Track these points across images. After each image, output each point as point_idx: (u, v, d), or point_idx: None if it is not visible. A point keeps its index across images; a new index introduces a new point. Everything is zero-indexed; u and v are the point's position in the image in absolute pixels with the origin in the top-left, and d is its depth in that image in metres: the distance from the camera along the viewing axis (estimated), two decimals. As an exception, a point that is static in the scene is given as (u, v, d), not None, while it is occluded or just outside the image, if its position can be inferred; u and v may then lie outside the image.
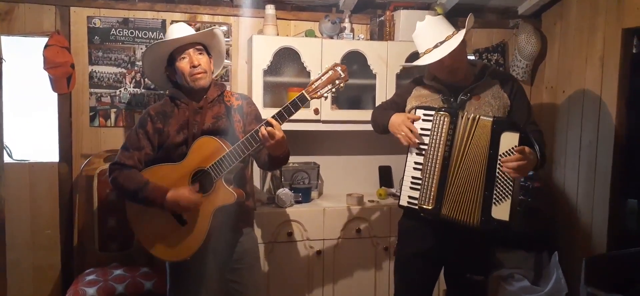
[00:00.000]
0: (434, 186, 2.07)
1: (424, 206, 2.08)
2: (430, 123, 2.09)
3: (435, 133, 2.08)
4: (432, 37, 2.09)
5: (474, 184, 2.03)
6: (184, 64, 2.15)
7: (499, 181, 2.00)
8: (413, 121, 2.13)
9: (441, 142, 2.06)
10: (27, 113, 3.08)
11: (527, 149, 1.95)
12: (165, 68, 2.24)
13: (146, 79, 3.07)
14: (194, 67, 2.13)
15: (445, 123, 2.06)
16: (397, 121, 2.17)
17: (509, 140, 1.99)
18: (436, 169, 2.07)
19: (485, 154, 2.01)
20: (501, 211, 2.00)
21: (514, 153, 1.95)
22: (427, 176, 2.09)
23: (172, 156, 2.16)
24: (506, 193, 1.99)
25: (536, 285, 3.13)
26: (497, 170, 2.00)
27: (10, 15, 2.86)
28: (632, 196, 3.19)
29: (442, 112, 2.07)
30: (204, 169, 2.10)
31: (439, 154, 2.07)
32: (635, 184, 3.11)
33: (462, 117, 2.05)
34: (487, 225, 2.00)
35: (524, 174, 1.99)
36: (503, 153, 1.99)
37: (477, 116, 2.04)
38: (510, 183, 1.98)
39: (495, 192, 2.00)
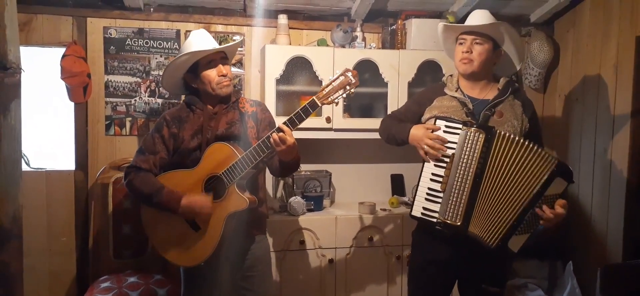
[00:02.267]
0: (463, 203, 2.01)
1: (449, 222, 2.02)
2: (457, 136, 2.03)
3: (467, 149, 2.01)
4: (477, 21, 2.14)
5: (508, 209, 1.99)
6: (212, 73, 2.19)
7: (530, 217, 1.98)
8: (432, 130, 2.08)
9: (474, 160, 1.99)
10: (44, 122, 3.14)
11: (567, 206, 1.97)
12: (185, 74, 2.27)
13: (161, 88, 3.11)
14: (223, 76, 2.19)
15: (479, 140, 1.99)
16: (419, 133, 2.11)
17: (557, 185, 1.97)
18: (467, 187, 2.00)
19: (532, 189, 1.97)
20: (516, 242, 2.00)
21: (557, 205, 1.96)
22: (455, 192, 2.02)
23: (186, 161, 2.19)
24: (529, 229, 1.99)
25: (550, 295, 3.10)
26: (535, 208, 1.98)
27: (28, 26, 2.93)
28: (648, 205, 3.14)
29: (474, 128, 2.01)
30: (216, 175, 2.12)
31: (471, 171, 2.00)
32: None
33: (498, 137, 1.99)
34: (500, 251, 2.01)
35: (552, 225, 1.99)
36: (548, 195, 1.97)
37: (536, 147, 1.97)
38: (538, 222, 1.98)
39: (522, 224, 1.99)
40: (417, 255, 2.30)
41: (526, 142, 1.98)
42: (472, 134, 2.00)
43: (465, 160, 2.01)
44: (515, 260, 3.23)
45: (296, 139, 2.08)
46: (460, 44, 2.17)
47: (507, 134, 1.99)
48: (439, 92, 2.25)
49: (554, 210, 1.96)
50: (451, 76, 2.27)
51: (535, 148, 1.97)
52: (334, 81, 2.09)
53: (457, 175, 2.02)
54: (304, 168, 3.22)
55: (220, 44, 3.10)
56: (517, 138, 1.98)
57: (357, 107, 3.21)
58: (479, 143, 1.99)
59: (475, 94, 2.18)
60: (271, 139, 2.04)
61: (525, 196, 1.97)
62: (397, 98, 3.06)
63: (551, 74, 3.58)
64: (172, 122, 2.22)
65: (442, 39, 2.31)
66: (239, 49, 3.19)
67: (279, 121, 2.14)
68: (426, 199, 2.08)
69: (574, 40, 3.39)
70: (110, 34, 3.05)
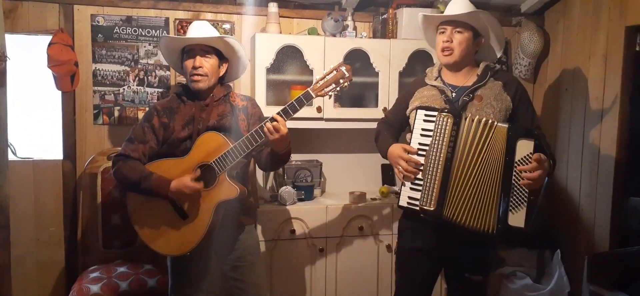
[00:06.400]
0: (436, 187, 2.03)
1: (425, 207, 2.05)
2: (433, 124, 2.06)
3: (437, 134, 2.04)
4: (457, 10, 2.14)
5: (488, 191, 2.00)
6: (188, 62, 2.21)
7: (515, 189, 1.98)
8: (408, 153, 2.10)
9: (444, 144, 2.03)
10: (31, 111, 3.10)
11: (542, 156, 1.95)
12: (180, 59, 2.31)
13: (149, 77, 3.09)
14: (195, 68, 2.17)
15: (447, 124, 2.03)
16: (393, 153, 2.16)
17: (524, 147, 1.97)
18: (438, 171, 2.03)
19: (500, 161, 1.99)
20: (517, 218, 1.98)
21: (531, 160, 1.94)
22: (428, 177, 2.05)
23: (176, 151, 2.18)
24: (522, 200, 1.98)
25: (538, 283, 3.13)
26: (513, 178, 1.98)
27: (14, 13, 2.88)
28: (635, 194, 3.18)
29: (444, 113, 2.04)
30: (207, 163, 2.11)
31: (442, 155, 2.03)
32: (638, 182, 3.11)
33: (466, 119, 2.02)
34: (504, 232, 2.00)
35: (541, 183, 1.97)
36: (518, 161, 1.98)
37: (491, 121, 2.00)
38: (526, 190, 1.97)
39: (511, 199, 1.98)
40: (403, 243, 2.32)
41: (490, 121, 2.00)
42: (441, 119, 2.04)
43: (437, 145, 2.05)
44: (503, 247, 3.25)
45: (287, 128, 2.07)
46: (441, 33, 2.19)
47: (482, 119, 2.01)
48: (419, 85, 2.29)
49: (528, 168, 1.95)
50: (432, 67, 2.30)
51: (491, 122, 2.00)
52: (328, 74, 2.10)
53: (430, 161, 2.05)
54: (295, 157, 3.21)
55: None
56: (483, 119, 2.00)
57: (348, 97, 3.20)
58: (448, 128, 2.03)
59: (458, 81, 2.21)
60: (265, 128, 2.04)
61: (497, 171, 1.99)
62: (387, 88, 3.06)
63: (541, 64, 3.60)
64: (162, 112, 2.21)
65: (422, 28, 2.34)
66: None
67: (270, 110, 2.13)
68: (411, 188, 2.11)
69: (563, 30, 3.40)
70: (98, 22, 3.01)
